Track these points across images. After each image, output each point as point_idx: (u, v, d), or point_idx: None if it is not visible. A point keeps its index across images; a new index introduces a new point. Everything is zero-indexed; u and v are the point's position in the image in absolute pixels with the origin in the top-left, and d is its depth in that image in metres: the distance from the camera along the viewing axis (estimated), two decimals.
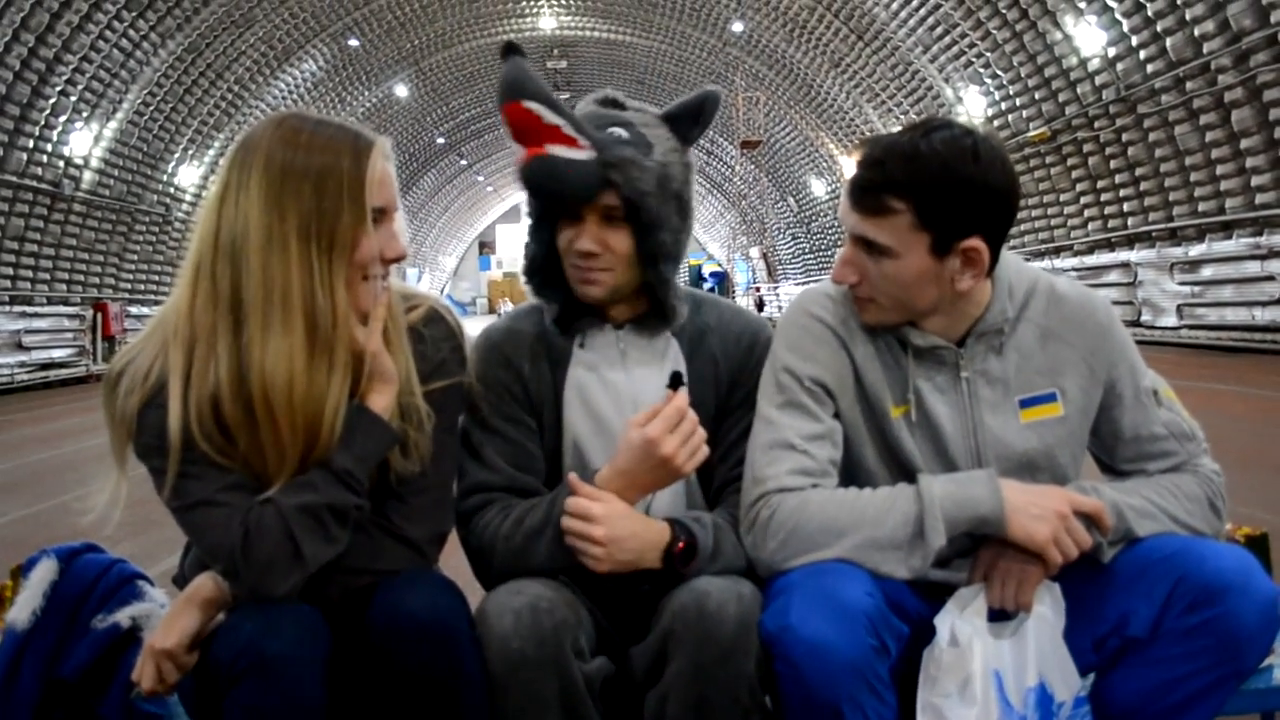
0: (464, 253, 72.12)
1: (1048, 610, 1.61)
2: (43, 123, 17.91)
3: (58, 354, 19.36)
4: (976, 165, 1.59)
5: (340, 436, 1.55)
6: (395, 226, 1.61)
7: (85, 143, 19.44)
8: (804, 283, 39.45)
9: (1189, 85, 14.95)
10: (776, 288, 43.61)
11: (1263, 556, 1.92)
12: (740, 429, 1.79)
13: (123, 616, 1.83)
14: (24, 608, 1.81)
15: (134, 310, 22.58)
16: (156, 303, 23.76)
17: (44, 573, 1.85)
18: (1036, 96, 19.16)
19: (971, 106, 21.76)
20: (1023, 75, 19.24)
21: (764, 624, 1.53)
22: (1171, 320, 16.11)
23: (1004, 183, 1.62)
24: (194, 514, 1.53)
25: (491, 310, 70.02)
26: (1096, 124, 17.69)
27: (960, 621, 1.59)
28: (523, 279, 1.84)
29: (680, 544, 1.61)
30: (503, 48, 1.74)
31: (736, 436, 1.78)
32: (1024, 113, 19.87)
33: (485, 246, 74.21)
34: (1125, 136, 17.01)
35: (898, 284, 1.65)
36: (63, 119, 18.43)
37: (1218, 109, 14.60)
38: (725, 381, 1.83)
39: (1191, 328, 15.65)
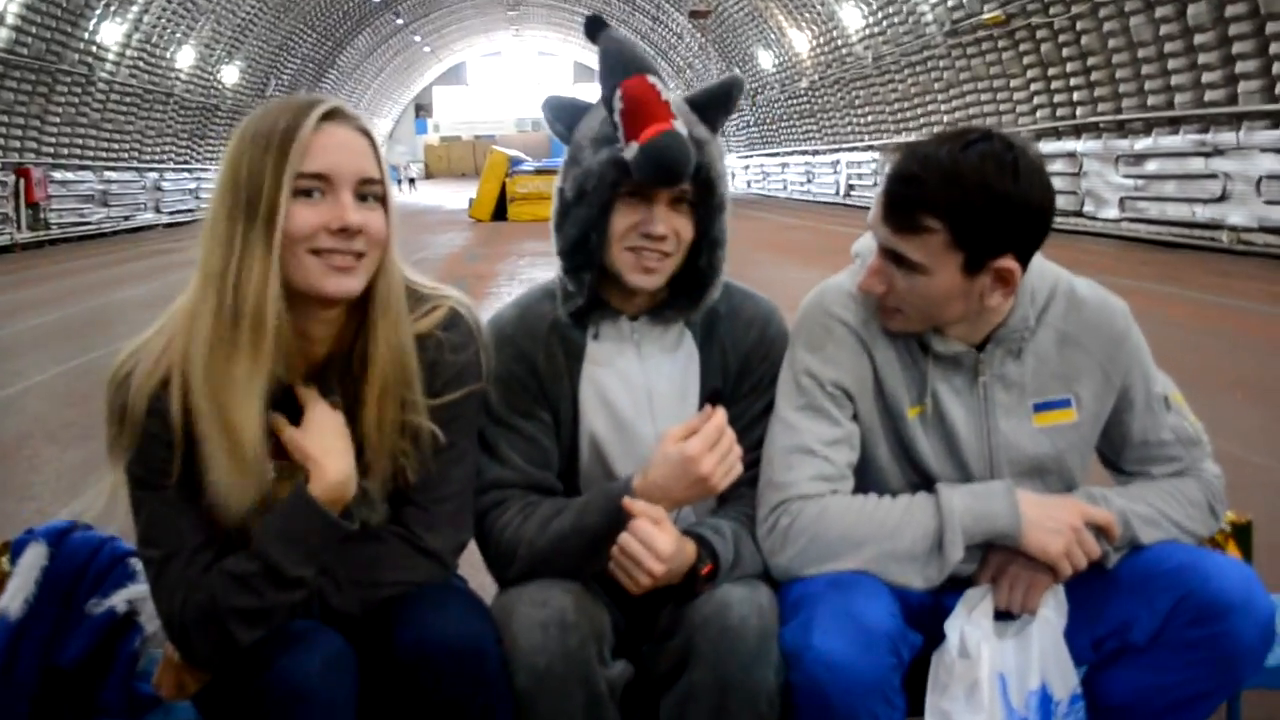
0: (400, 115, 70.19)
1: (1052, 613, 1.65)
2: None
3: None
4: (1015, 183, 1.55)
5: (275, 521, 1.47)
6: (347, 198, 1.47)
7: None
8: (746, 156, 39.22)
9: None
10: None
11: (1245, 544, 1.98)
12: (750, 416, 1.78)
13: (118, 600, 1.79)
14: (16, 596, 1.77)
15: (58, 175, 21.75)
16: (82, 167, 22.95)
17: (34, 558, 1.80)
18: None
19: None
20: None
21: (785, 638, 1.54)
22: (1113, 213, 16.33)
23: (1042, 200, 1.59)
24: (153, 569, 1.51)
25: (429, 176, 68.67)
26: (1051, 10, 17.54)
27: (969, 626, 1.63)
28: (560, 262, 1.74)
29: (706, 567, 1.60)
30: (590, 21, 1.72)
31: (746, 424, 1.76)
32: None
33: (421, 109, 72.36)
34: (1079, 25, 16.92)
35: (926, 299, 1.62)
36: None
37: (1174, 2, 14.53)
38: (734, 369, 1.81)
39: (1133, 220, 15.89)
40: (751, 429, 1.76)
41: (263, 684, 1.41)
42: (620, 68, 1.65)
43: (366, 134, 1.53)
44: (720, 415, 1.59)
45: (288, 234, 1.43)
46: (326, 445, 1.50)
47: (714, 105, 1.74)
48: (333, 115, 1.48)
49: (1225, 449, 4.38)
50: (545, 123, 1.81)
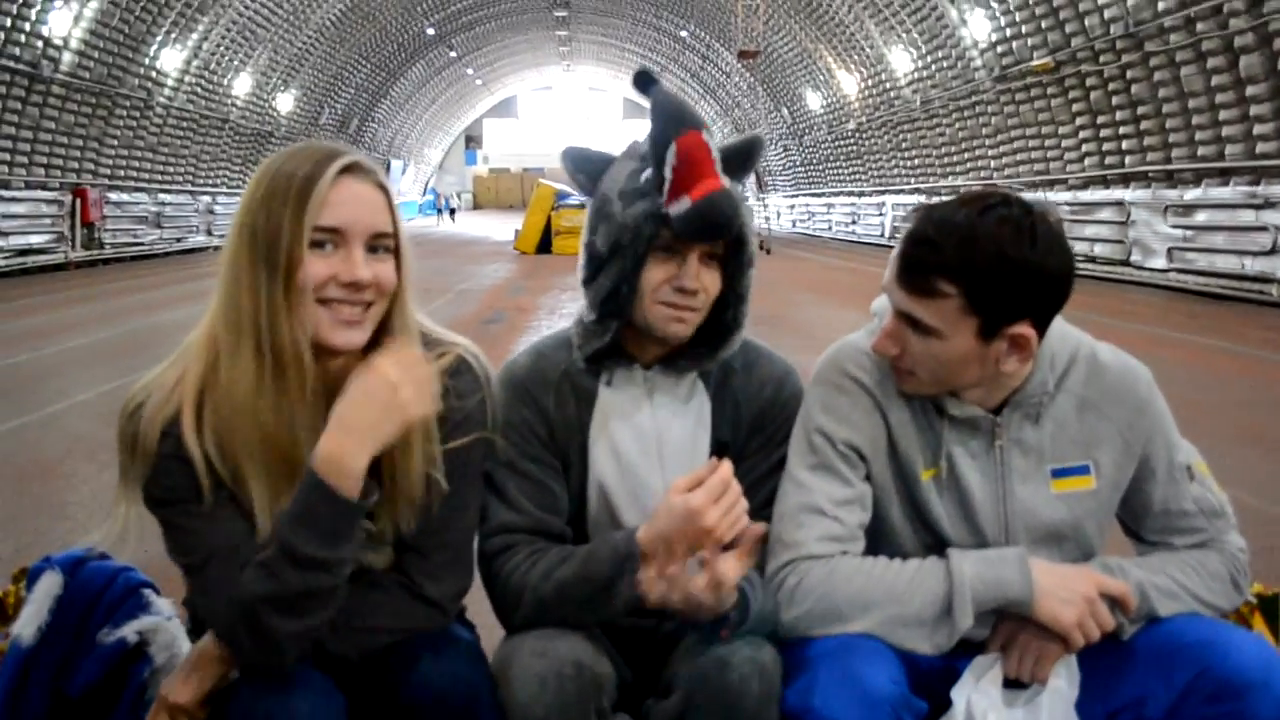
0: (450, 146, 71.06)
1: (1063, 683, 1.62)
2: (20, 1, 17.34)
3: (35, 239, 19.10)
4: (1033, 250, 1.53)
5: (292, 509, 1.45)
6: (358, 253, 1.49)
7: (65, 22, 18.89)
8: (792, 196, 39.24)
9: (1199, 26, 14.71)
10: (765, 199, 43.31)
11: (1273, 617, 1.92)
12: (759, 472, 1.77)
13: (129, 631, 1.80)
14: (29, 623, 1.79)
15: (113, 196, 22.22)
16: (137, 189, 23.43)
17: (48, 586, 1.82)
18: (1043, 25, 18.83)
19: (976, 30, 21.39)
20: (1030, 3, 18.88)
21: (786, 700, 1.53)
22: (1161, 263, 16.13)
23: (1060, 267, 1.57)
24: (192, 577, 1.52)
25: (477, 207, 69.39)
26: (1101, 58, 17.44)
27: (976, 695, 1.60)
28: (591, 310, 1.74)
29: (732, 620, 1.58)
30: (639, 76, 1.74)
31: (755, 480, 1.76)
32: (1029, 40, 19.54)
33: (471, 141, 73.20)
34: (1130, 74, 16.79)
35: (940, 363, 1.61)
36: None
37: (1226, 53, 14.40)
38: (746, 425, 1.80)
39: (1181, 271, 15.67)
40: (760, 486, 1.75)
41: None
42: (675, 122, 1.66)
43: (383, 188, 1.55)
44: (726, 468, 1.57)
45: (297, 285, 1.46)
46: (342, 417, 1.45)
47: (735, 161, 1.74)
48: (351, 169, 1.50)
49: (1268, 510, 4.33)
50: (566, 171, 1.82)
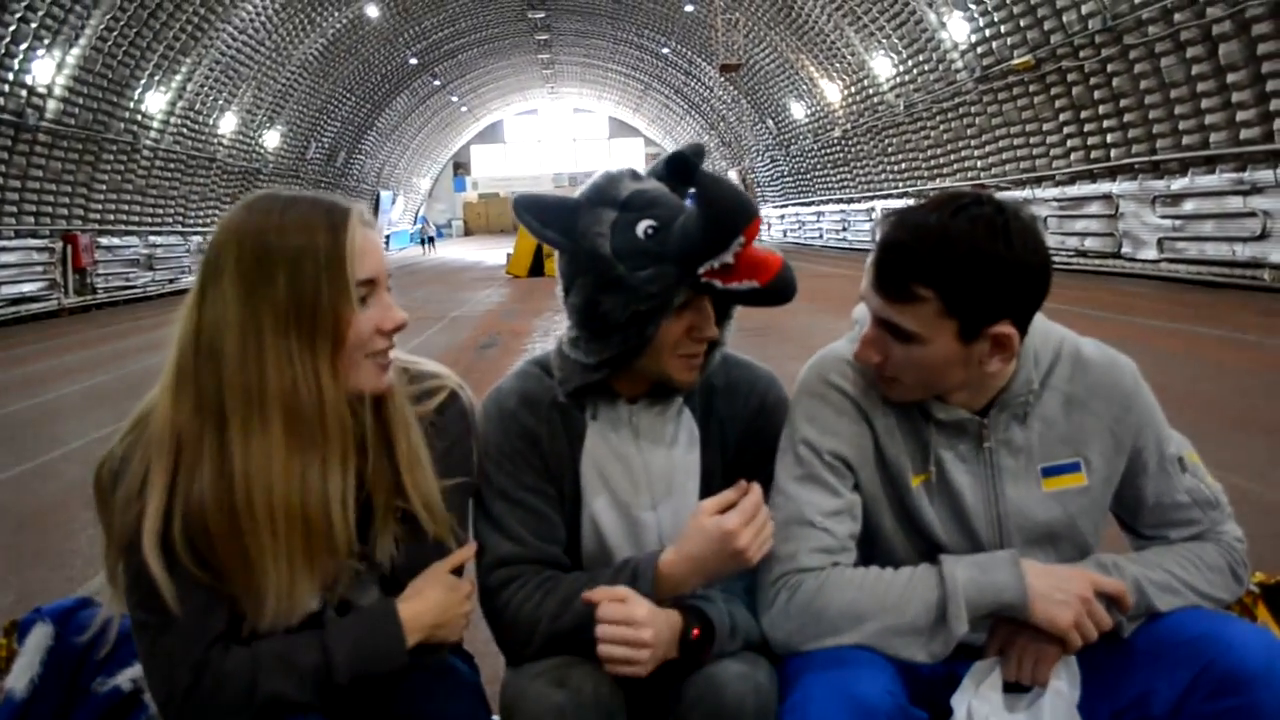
0: (439, 174, 71.23)
1: (1064, 685, 1.60)
2: (3, 51, 17.41)
3: (28, 288, 19.09)
4: (1008, 247, 1.52)
5: (354, 626, 1.49)
6: (388, 298, 1.52)
7: (48, 70, 18.95)
8: (781, 206, 39.32)
9: (1176, 17, 14.79)
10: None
11: (1277, 605, 1.90)
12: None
13: (124, 679, 1.78)
14: (21, 675, 1.77)
15: (104, 241, 22.24)
16: (128, 232, 23.42)
17: (39, 638, 1.81)
18: (1021, 24, 18.92)
19: (955, 33, 21.49)
20: (1008, 2, 18.96)
21: (782, 716, 1.51)
22: (1152, 253, 16.17)
23: (1036, 263, 1.56)
24: (144, 633, 1.47)
25: (468, 233, 69.49)
26: (1081, 53, 17.52)
27: (977, 701, 1.58)
28: (590, 349, 1.69)
29: (695, 630, 1.57)
30: (678, 160, 1.69)
31: None
32: (1008, 40, 19.64)
33: (460, 167, 73.34)
34: (1110, 67, 16.87)
35: (923, 368, 1.60)
36: (24, 47, 17.94)
37: (1205, 41, 14.47)
38: (733, 443, 1.78)
39: (1172, 261, 15.71)
40: None
41: None
42: (744, 214, 1.57)
43: (374, 227, 1.55)
44: (757, 490, 1.58)
45: (348, 344, 1.46)
46: (434, 580, 1.57)
47: (680, 173, 1.73)
48: (361, 219, 1.50)
49: (1270, 497, 4.31)
50: (526, 226, 1.71)
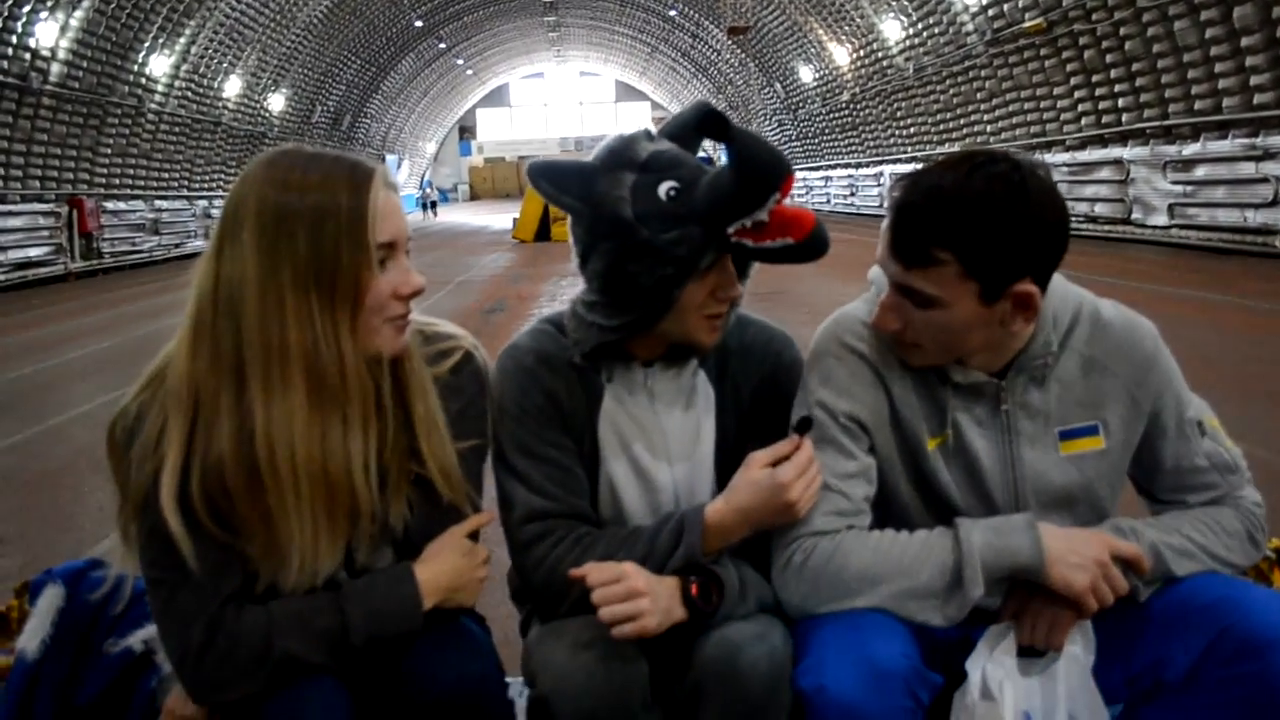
0: (444, 138, 70.92)
1: (1079, 649, 1.59)
2: (5, 14, 17.30)
3: (34, 252, 19.06)
4: (1026, 205, 1.49)
5: (373, 587, 1.49)
6: (407, 262, 1.51)
7: (51, 33, 18.82)
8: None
9: None
10: None
11: None
12: None
13: (135, 640, 1.79)
14: (33, 636, 1.78)
15: (110, 205, 22.19)
16: (133, 196, 23.37)
17: (51, 599, 1.81)
18: None
19: None
20: None
21: (797, 680, 1.50)
22: (1163, 219, 16.05)
23: (1055, 219, 1.53)
24: (157, 590, 1.47)
25: (474, 197, 69.29)
26: (1094, 16, 17.32)
27: (991, 665, 1.57)
28: (612, 313, 1.65)
29: (694, 587, 1.56)
30: (707, 116, 1.64)
31: None
32: (1020, 2, 19.43)
33: (466, 131, 73.00)
34: (1123, 30, 16.68)
35: (946, 331, 1.57)
36: (26, 9, 17.83)
37: (1220, 4, 14.29)
38: (748, 404, 1.77)
39: (1183, 227, 15.60)
40: None
41: None
42: (780, 170, 1.55)
43: (396, 189, 1.53)
44: (809, 445, 1.59)
45: (365, 307, 1.44)
46: (451, 544, 1.58)
47: (690, 132, 1.69)
48: (384, 181, 1.48)
49: (1279, 464, 4.28)
50: (541, 193, 1.67)
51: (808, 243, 1.57)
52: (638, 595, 1.51)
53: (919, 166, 1.62)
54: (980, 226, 1.49)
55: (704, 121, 1.63)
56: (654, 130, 1.71)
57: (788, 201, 1.58)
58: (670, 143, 1.67)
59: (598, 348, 1.69)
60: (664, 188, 1.59)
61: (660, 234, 1.57)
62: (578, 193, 1.63)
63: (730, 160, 1.55)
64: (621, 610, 1.50)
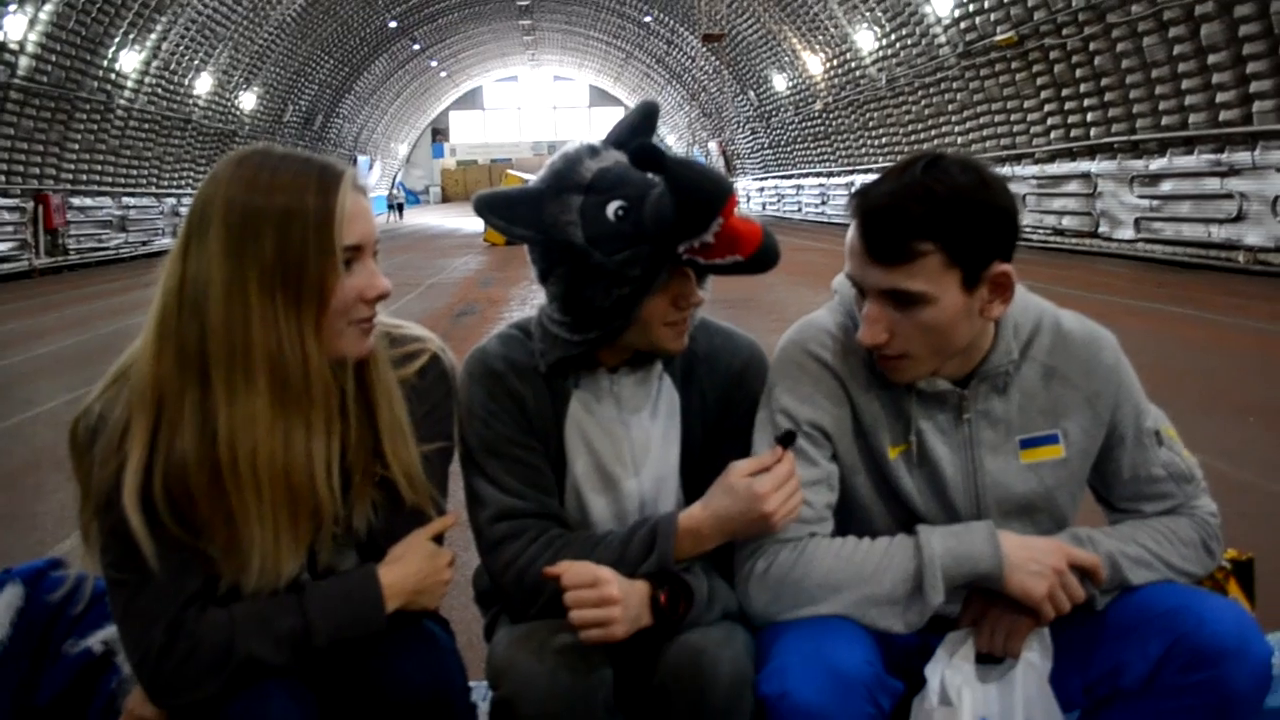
0: (417, 140, 70.65)
1: (1036, 657, 1.61)
2: None
3: None
4: (988, 191, 1.54)
5: (333, 589, 1.49)
6: (374, 265, 1.50)
7: (20, 27, 18.61)
8: (761, 179, 39.26)
9: None
10: (734, 181, 43.05)
11: (1247, 582, 1.92)
12: (735, 454, 1.74)
13: (95, 641, 1.77)
14: None
15: (77, 201, 21.95)
16: (101, 193, 23.11)
17: (9, 599, 1.79)
18: (1005, 0, 18.87)
19: (939, 7, 21.42)
20: None
21: (760, 686, 1.51)
22: (1129, 233, 16.25)
23: (1012, 204, 1.59)
24: (118, 591, 1.46)
25: (446, 200, 69.07)
26: (1064, 31, 17.52)
27: (950, 671, 1.59)
28: (575, 331, 1.65)
29: (663, 595, 1.57)
30: (640, 153, 1.57)
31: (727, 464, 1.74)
32: (991, 15, 19.61)
33: (439, 133, 72.79)
34: (1092, 45, 16.88)
35: (935, 329, 1.58)
36: None
37: (1187, 22, 14.49)
38: (713, 410, 1.77)
39: (1149, 241, 15.81)
40: None
41: None
42: (719, 196, 1.52)
43: (365, 192, 1.53)
44: (790, 459, 1.59)
45: (330, 310, 1.44)
46: (415, 547, 1.57)
47: (641, 135, 1.69)
48: (353, 183, 1.48)
49: (1240, 476, 4.37)
50: (492, 226, 1.66)
51: (756, 258, 1.58)
52: (610, 603, 1.51)
53: None
54: (956, 214, 1.52)
55: (637, 159, 1.59)
56: (597, 142, 1.69)
57: (739, 211, 1.58)
58: (616, 153, 1.65)
59: (563, 359, 1.70)
60: (612, 208, 1.58)
61: (612, 255, 1.57)
62: (527, 222, 1.63)
63: (669, 191, 1.53)
64: (592, 616, 1.51)
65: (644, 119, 1.71)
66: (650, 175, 1.60)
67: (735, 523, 1.59)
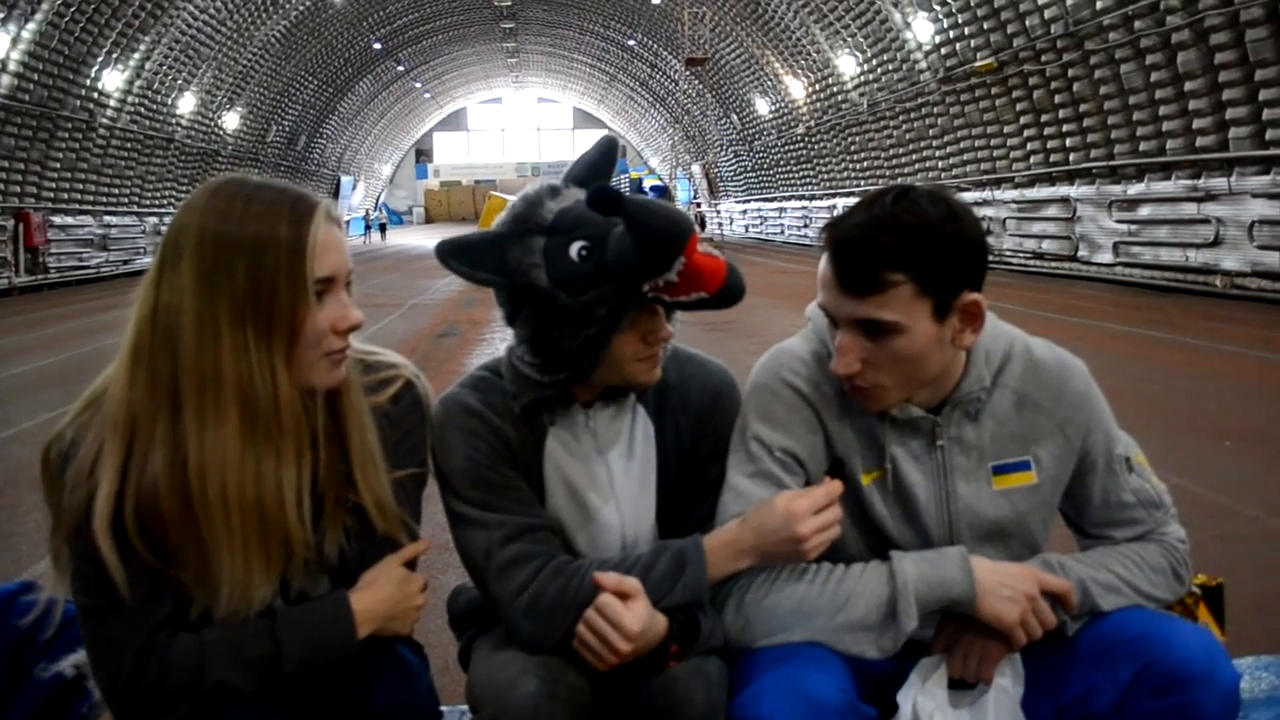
0: (400, 161, 70.70)
1: (1008, 682, 1.62)
2: None
3: None
4: (957, 222, 1.56)
5: (306, 616, 1.48)
6: (346, 296, 1.50)
7: (3, 44, 18.56)
8: (744, 201, 39.42)
9: (1137, 24, 15.00)
10: (717, 204, 43.38)
11: (1217, 607, 1.94)
12: (705, 484, 1.75)
13: (66, 665, 1.76)
14: None
15: (57, 220, 21.85)
16: (82, 212, 23.02)
17: None
18: (985, 26, 19.10)
19: (920, 34, 21.64)
20: (972, 4, 19.14)
21: (734, 712, 1.51)
22: (1107, 257, 16.40)
23: (981, 235, 1.62)
24: (89, 617, 1.45)
25: (429, 220, 69.08)
26: (1043, 58, 17.72)
27: (922, 697, 1.60)
28: (545, 372, 1.65)
29: (674, 647, 1.57)
30: (597, 198, 1.57)
31: (701, 492, 1.75)
32: (971, 42, 19.82)
33: (422, 154, 72.87)
34: (1071, 72, 17.08)
35: (908, 359, 1.59)
36: None
37: (1164, 49, 14.69)
38: (688, 438, 1.77)
39: (1127, 265, 15.96)
40: (706, 497, 1.73)
41: None
42: (679, 236, 1.53)
43: (340, 224, 1.53)
44: (836, 486, 1.59)
45: (301, 341, 1.44)
46: (387, 573, 1.56)
47: (600, 173, 1.70)
48: (327, 215, 1.48)
49: (1214, 499, 4.40)
50: (456, 273, 1.66)
51: (721, 294, 1.59)
52: (614, 653, 1.52)
53: None
54: (926, 244, 1.54)
55: (594, 204, 1.58)
56: (558, 181, 1.68)
57: (702, 247, 1.58)
58: (578, 191, 1.64)
59: (536, 400, 1.70)
60: (575, 248, 1.57)
61: (578, 296, 1.57)
62: (491, 267, 1.62)
63: (629, 234, 1.54)
64: (593, 646, 1.52)
65: (602, 156, 1.70)
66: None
67: (766, 542, 1.57)
